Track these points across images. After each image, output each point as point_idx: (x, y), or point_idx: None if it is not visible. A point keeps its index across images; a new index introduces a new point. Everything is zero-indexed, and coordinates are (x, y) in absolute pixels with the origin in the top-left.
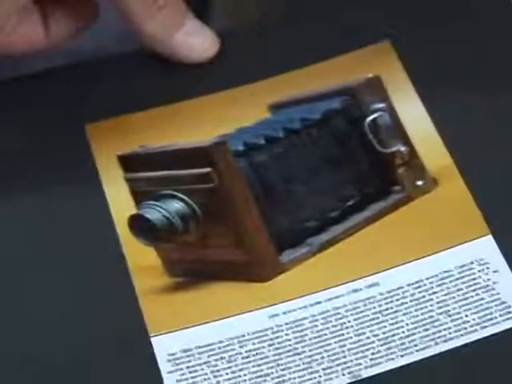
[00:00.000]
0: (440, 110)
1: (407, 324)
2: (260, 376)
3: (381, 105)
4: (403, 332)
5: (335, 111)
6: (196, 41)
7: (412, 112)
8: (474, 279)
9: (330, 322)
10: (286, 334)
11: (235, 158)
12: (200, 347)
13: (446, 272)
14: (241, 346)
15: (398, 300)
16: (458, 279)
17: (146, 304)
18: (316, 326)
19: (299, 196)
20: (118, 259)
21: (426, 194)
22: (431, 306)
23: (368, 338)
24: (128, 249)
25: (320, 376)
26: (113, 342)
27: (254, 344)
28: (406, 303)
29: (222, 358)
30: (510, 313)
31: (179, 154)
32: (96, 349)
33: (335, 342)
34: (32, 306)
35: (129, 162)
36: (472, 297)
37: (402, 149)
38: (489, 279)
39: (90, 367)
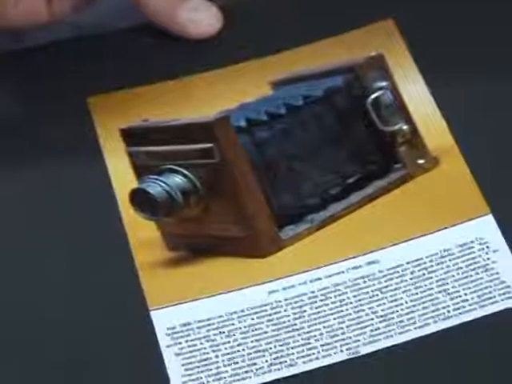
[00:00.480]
0: (442, 89)
1: (406, 302)
2: (258, 351)
3: (383, 83)
4: (402, 309)
5: (338, 89)
6: (200, 16)
7: (414, 90)
8: (473, 258)
9: (330, 298)
10: (285, 310)
11: (237, 134)
12: (199, 321)
13: (445, 251)
14: (240, 321)
15: (397, 277)
16: (457, 258)
17: (146, 278)
18: (315, 302)
19: (300, 173)
20: (118, 233)
21: (426, 173)
22: (430, 284)
23: (367, 314)
24: (128, 223)
25: (318, 352)
26: (112, 315)
27: (252, 319)
28: (406, 281)
29: (220, 333)
30: (509, 292)
31: (181, 128)
32: (95, 323)
33: (334, 319)
34: (31, 279)
35: (131, 136)
36: (471, 276)
37: (404, 127)
38: (488, 258)
39: (89, 341)
